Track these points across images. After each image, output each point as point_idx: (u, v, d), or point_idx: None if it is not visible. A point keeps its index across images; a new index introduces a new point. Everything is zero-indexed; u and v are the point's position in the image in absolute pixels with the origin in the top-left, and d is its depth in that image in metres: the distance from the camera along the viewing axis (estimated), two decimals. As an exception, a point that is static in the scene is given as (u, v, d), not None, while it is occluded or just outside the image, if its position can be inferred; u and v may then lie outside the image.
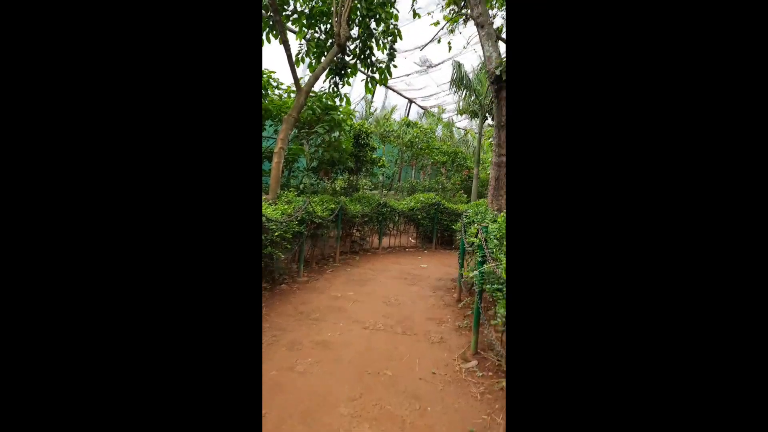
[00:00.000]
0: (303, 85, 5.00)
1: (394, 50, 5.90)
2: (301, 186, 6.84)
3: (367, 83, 6.35)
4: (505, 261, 2.27)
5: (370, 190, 11.01)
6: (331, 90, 6.12)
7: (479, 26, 4.70)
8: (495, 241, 2.57)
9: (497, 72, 4.36)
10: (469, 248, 3.37)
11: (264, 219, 3.73)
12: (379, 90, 14.25)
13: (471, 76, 10.87)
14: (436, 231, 7.47)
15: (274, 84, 6.25)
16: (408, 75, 13.21)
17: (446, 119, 16.27)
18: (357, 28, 5.85)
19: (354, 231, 6.86)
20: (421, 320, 3.58)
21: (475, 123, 18.68)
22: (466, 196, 12.49)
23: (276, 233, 3.84)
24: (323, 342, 2.98)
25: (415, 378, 2.53)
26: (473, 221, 3.95)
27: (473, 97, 11.15)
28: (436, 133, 12.43)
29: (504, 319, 2.18)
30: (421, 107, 16.98)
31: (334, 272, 5.24)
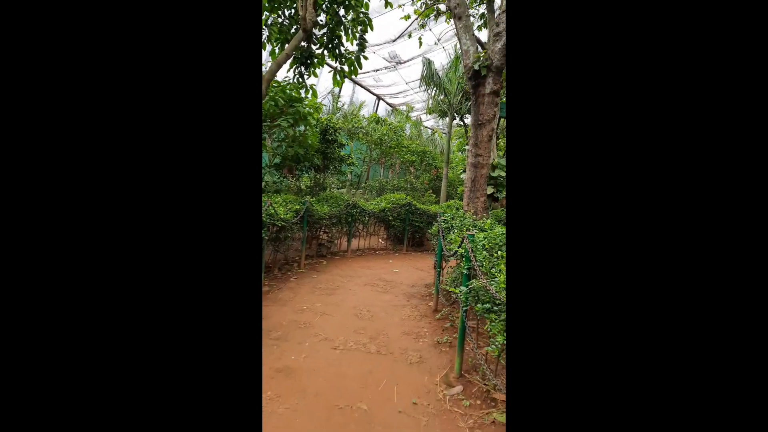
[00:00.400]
0: (264, 73, 4.49)
1: (365, 41, 5.52)
2: (263, 185, 6.29)
3: (335, 75, 5.92)
4: (497, 276, 1.98)
5: (338, 188, 10.55)
6: (296, 80, 5.63)
7: (456, 17, 4.43)
8: (484, 252, 2.29)
9: (475, 67, 4.11)
10: (449, 255, 3.08)
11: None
12: (347, 85, 13.80)
13: (441, 74, 10.71)
14: (408, 232, 7.19)
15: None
16: (377, 71, 12.85)
17: (414, 118, 16.09)
18: (324, 15, 5.40)
19: (321, 233, 6.42)
20: (396, 335, 3.25)
21: (442, 123, 18.72)
22: (434, 195, 12.35)
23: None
24: (285, 369, 2.57)
25: (393, 411, 2.19)
26: (452, 226, 3.67)
27: (443, 96, 11.00)
28: (405, 131, 12.18)
29: (501, 345, 1.89)
30: (390, 104, 16.69)
31: (298, 280, 4.79)
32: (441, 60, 11.53)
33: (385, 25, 9.70)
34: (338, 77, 5.94)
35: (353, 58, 5.65)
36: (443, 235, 3.54)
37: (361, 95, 14.78)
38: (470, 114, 11.76)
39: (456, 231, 3.22)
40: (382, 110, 15.97)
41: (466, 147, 9.56)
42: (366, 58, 5.65)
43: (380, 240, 8.02)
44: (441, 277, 3.83)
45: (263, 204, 4.11)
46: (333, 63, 5.77)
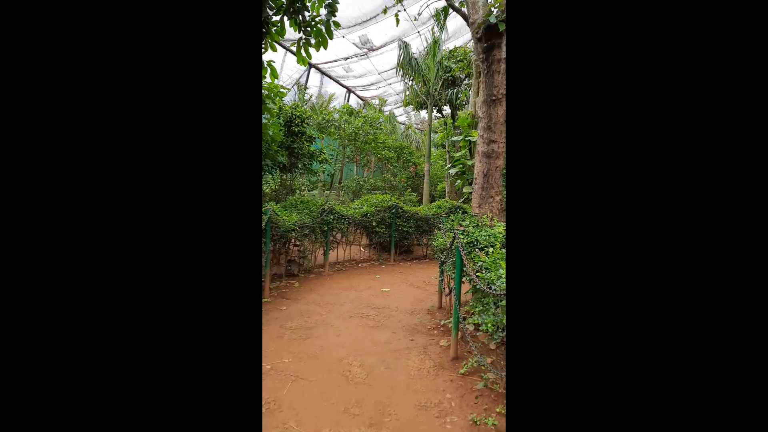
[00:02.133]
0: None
1: (335, 1, 4.36)
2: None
3: (299, 49, 4.71)
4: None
5: (309, 190, 9.29)
6: (248, 55, 4.38)
7: (458, -40, 3.38)
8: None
9: (491, 20, 3.07)
10: (498, 294, 2.01)
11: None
12: (314, 76, 12.51)
13: (419, 61, 9.70)
14: (395, 239, 6.11)
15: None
16: (347, 59, 11.65)
17: (387, 112, 15.04)
18: (282, -31, 4.20)
19: (290, 246, 5.21)
20: (409, 413, 2.15)
21: (415, 118, 17.80)
22: (415, 194, 11.37)
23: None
24: None
25: None
26: (477, 240, 2.61)
27: (421, 84, 10.00)
28: (381, 124, 11.08)
29: None
30: (361, 98, 15.56)
31: (262, 315, 3.58)
32: (417, 46, 10.50)
33: (354, 3, 8.56)
34: (303, 52, 4.74)
35: (321, 25, 4.47)
36: (464, 253, 2.47)
37: (331, 87, 13.53)
38: (449, 105, 10.85)
39: (491, 250, 2.17)
40: (354, 104, 14.81)
41: (454, 138, 8.62)
42: (338, 25, 4.48)
43: (361, 249, 6.90)
44: (459, 310, 2.76)
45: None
46: (296, 31, 4.56)
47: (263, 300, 4.01)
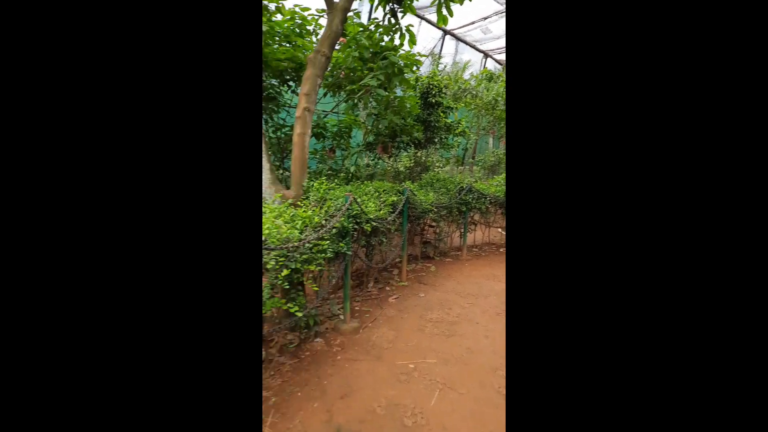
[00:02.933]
0: (337, 0, 3.05)
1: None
2: (353, 169, 5.02)
3: (440, 7, 4.18)
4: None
5: (442, 167, 8.86)
6: (386, 22, 4.08)
7: None
8: None
9: None
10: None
11: (265, 240, 1.96)
12: (448, 43, 11.75)
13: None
14: (544, 223, 5.20)
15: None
16: (485, 18, 10.48)
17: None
18: None
19: (426, 227, 4.93)
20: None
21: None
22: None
23: (290, 268, 2.06)
24: None
25: None
26: None
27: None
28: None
29: None
30: (498, 61, 14.04)
31: (400, 300, 3.40)
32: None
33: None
34: (444, 11, 4.19)
35: (466, -26, 3.82)
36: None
37: (466, 55, 12.54)
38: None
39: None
40: (491, 69, 13.47)
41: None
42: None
43: (501, 231, 6.19)
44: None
45: (345, 200, 2.76)
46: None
47: (400, 283, 3.85)
